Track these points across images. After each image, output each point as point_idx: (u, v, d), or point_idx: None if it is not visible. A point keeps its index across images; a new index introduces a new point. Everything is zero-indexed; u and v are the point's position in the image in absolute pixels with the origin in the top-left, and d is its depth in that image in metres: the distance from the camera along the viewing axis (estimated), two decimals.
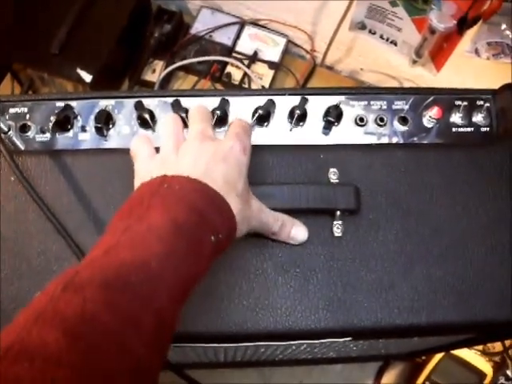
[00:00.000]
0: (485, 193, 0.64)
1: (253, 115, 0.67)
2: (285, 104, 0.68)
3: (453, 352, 1.15)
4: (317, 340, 0.63)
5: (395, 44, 1.07)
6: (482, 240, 0.62)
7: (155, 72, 1.32)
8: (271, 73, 1.33)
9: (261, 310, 0.59)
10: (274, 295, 0.60)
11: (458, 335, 0.72)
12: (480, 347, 1.20)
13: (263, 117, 0.67)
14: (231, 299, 0.59)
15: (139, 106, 0.66)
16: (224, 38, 1.36)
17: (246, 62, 1.33)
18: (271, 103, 0.67)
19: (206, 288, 0.59)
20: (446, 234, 0.62)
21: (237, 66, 1.32)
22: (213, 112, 0.66)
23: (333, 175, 0.63)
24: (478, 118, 0.69)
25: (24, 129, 0.66)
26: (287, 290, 0.60)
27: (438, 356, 1.15)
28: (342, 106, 0.67)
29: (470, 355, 1.17)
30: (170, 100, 0.67)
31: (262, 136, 0.67)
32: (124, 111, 0.68)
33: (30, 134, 0.67)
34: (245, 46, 1.35)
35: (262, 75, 1.33)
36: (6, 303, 0.59)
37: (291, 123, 0.67)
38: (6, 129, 0.65)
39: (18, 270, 0.60)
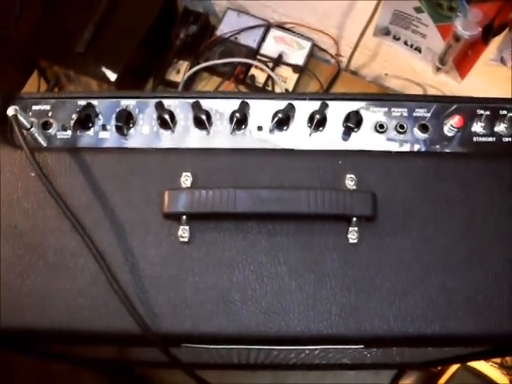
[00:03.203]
0: (505, 204, 0.63)
1: (272, 119, 0.67)
2: (305, 108, 0.68)
3: (469, 363, 1.14)
4: (329, 346, 0.63)
5: (419, 51, 1.06)
6: (500, 252, 0.61)
7: (180, 72, 1.33)
8: (295, 76, 1.33)
9: (273, 314, 0.59)
10: (287, 299, 0.60)
11: (472, 347, 0.71)
12: (498, 360, 1.18)
13: (283, 121, 0.67)
14: (244, 302, 0.59)
15: (159, 107, 0.67)
16: (249, 40, 1.36)
17: (271, 64, 1.32)
18: (291, 107, 0.67)
19: (219, 290, 0.60)
20: (463, 244, 0.62)
21: (261, 69, 1.32)
22: (232, 114, 0.66)
23: (350, 181, 0.63)
24: (500, 127, 0.68)
25: (46, 126, 0.68)
26: (300, 294, 0.60)
27: (454, 367, 1.14)
28: (362, 112, 0.67)
29: (486, 368, 1.15)
30: (191, 101, 0.68)
31: (281, 140, 0.67)
32: (145, 111, 0.68)
33: (52, 131, 0.68)
34: (270, 48, 1.35)
35: (286, 78, 1.32)
36: (20, 298, 0.60)
37: (311, 128, 0.67)
38: (28, 125, 0.66)
39: (34, 265, 0.61)
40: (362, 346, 0.62)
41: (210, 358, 0.98)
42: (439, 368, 1.17)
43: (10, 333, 0.60)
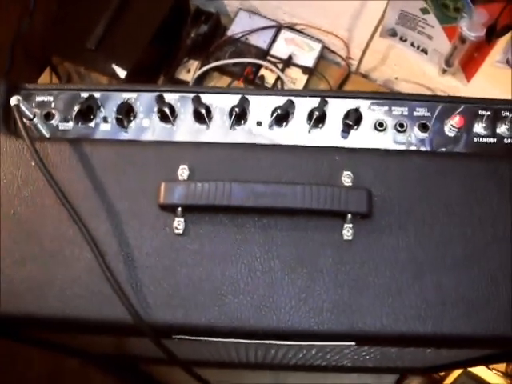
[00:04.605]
0: (503, 205, 0.62)
1: (272, 114, 0.67)
2: (304, 105, 0.68)
3: (472, 371, 1.12)
4: (320, 342, 0.63)
5: (426, 52, 1.06)
6: (497, 253, 0.61)
7: (190, 71, 1.34)
8: (305, 78, 1.33)
9: (264, 308, 0.59)
10: (279, 294, 0.60)
11: (466, 349, 0.70)
12: (502, 368, 1.16)
13: (282, 117, 0.67)
14: (236, 295, 0.59)
15: (160, 100, 0.67)
16: (260, 41, 1.37)
17: (280, 65, 1.33)
18: (290, 103, 0.67)
19: (212, 282, 0.60)
20: (459, 244, 0.61)
21: (271, 70, 1.33)
22: (232, 109, 0.67)
23: (347, 178, 0.62)
24: (502, 129, 0.67)
25: (48, 117, 0.68)
26: (292, 289, 0.60)
27: (456, 373, 1.12)
28: (361, 110, 0.67)
29: (489, 375, 1.13)
30: (191, 95, 0.68)
31: (280, 136, 0.68)
32: (145, 104, 0.69)
33: (54, 122, 0.68)
34: (280, 49, 1.35)
35: (296, 80, 1.33)
36: (17, 284, 0.60)
37: (310, 124, 0.67)
38: (31, 116, 0.67)
39: (31, 252, 0.61)
40: (353, 343, 0.62)
41: (209, 355, 0.99)
42: (441, 374, 1.16)
43: (6, 319, 0.61)
